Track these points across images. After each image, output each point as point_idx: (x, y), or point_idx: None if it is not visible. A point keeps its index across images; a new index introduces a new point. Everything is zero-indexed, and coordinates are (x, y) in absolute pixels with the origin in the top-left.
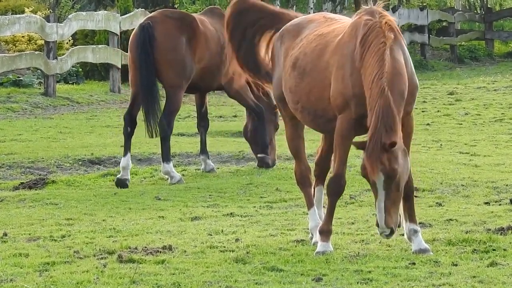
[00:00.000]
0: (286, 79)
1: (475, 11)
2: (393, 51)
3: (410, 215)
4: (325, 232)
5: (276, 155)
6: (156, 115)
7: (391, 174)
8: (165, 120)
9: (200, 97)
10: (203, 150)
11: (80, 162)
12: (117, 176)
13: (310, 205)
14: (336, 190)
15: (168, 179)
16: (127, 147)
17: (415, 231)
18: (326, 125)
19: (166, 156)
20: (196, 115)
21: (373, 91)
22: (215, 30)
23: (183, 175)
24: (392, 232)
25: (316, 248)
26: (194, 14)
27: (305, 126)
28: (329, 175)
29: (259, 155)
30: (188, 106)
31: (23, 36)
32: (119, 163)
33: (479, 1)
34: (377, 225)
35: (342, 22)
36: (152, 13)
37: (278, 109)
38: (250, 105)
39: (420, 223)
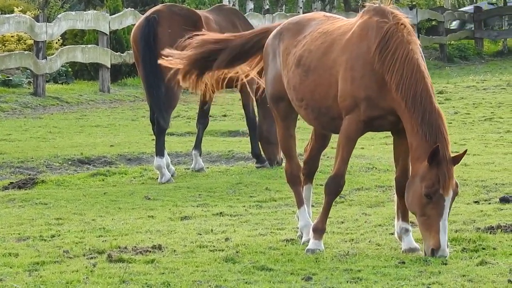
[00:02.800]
0: (289, 76)
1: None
2: (420, 58)
3: (403, 214)
4: (319, 231)
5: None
6: (161, 107)
7: (457, 190)
8: (161, 114)
9: (204, 95)
10: (197, 146)
11: (69, 162)
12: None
13: (300, 204)
14: (335, 190)
15: (158, 175)
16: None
17: (407, 230)
18: (329, 124)
19: (159, 150)
20: (188, 115)
21: (426, 108)
22: (219, 28)
23: (172, 175)
24: None
25: (307, 245)
26: (200, 12)
27: (296, 126)
28: (318, 173)
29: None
30: (178, 106)
31: (12, 36)
32: (109, 162)
33: (468, 0)
34: (436, 247)
35: (345, 20)
36: (159, 6)
37: (270, 109)
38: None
39: (411, 222)
